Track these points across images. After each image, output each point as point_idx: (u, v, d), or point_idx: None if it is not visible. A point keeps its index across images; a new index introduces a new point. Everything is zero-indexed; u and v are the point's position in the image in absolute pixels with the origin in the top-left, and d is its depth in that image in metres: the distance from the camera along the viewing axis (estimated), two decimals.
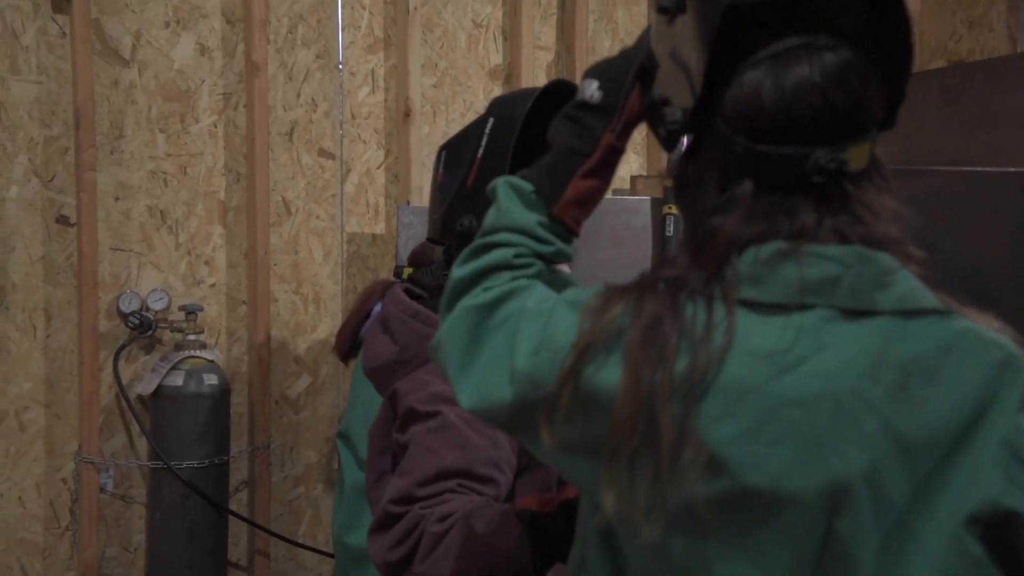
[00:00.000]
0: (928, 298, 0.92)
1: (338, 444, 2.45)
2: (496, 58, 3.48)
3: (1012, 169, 2.30)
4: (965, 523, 0.88)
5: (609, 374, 0.94)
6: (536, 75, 3.48)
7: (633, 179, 3.55)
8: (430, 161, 3.36)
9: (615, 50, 3.65)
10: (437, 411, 1.47)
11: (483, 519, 1.34)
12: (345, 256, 3.30)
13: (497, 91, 3.48)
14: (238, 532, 3.17)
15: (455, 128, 3.43)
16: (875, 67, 0.94)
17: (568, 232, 1.12)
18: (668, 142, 0.99)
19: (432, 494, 1.41)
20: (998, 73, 2.75)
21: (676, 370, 0.90)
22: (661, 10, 0.99)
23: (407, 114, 3.26)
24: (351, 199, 3.31)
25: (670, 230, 2.24)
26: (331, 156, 3.27)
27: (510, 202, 1.11)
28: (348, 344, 2.46)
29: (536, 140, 1.66)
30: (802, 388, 0.89)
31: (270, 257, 3.14)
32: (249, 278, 3.14)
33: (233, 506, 3.10)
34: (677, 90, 0.97)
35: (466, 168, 1.59)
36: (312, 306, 3.27)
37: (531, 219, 1.09)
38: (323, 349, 3.29)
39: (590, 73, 1.11)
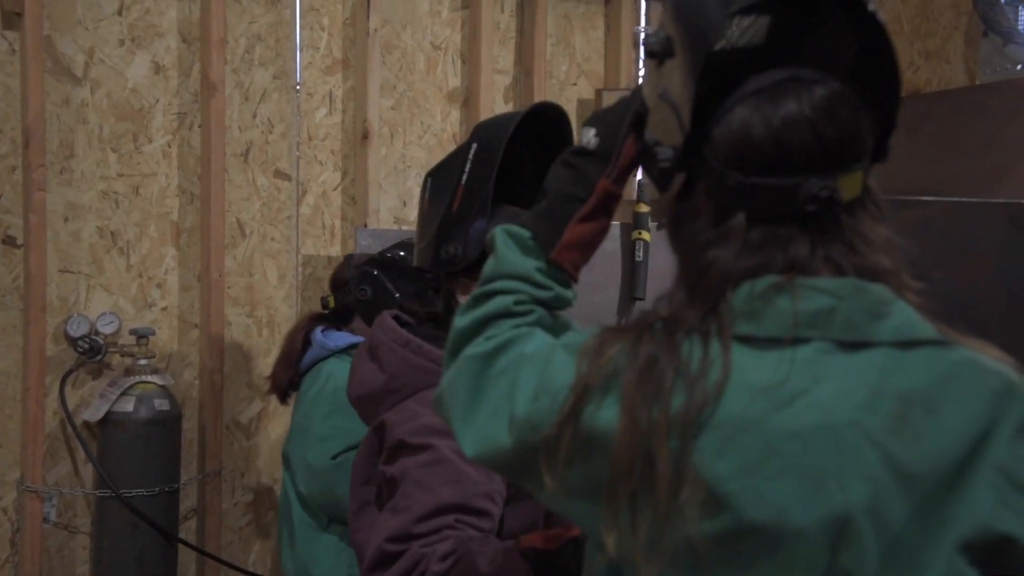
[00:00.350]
0: (926, 328, 0.92)
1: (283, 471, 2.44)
2: (454, 81, 3.47)
3: (1000, 200, 2.33)
4: (959, 548, 0.88)
5: (607, 415, 0.94)
6: (494, 99, 3.47)
7: None
8: (388, 183, 3.34)
9: (572, 74, 3.67)
10: (428, 444, 1.45)
11: (487, 557, 1.32)
12: (300, 279, 3.25)
13: (455, 114, 3.48)
14: (187, 561, 3.10)
15: (412, 151, 3.41)
16: (864, 97, 0.96)
17: (566, 277, 1.11)
18: (661, 182, 1.00)
19: (430, 531, 1.39)
20: (958, 104, 2.80)
21: (673, 407, 0.90)
22: (650, 54, 1.00)
23: (365, 136, 3.23)
24: (307, 221, 3.27)
25: (640, 255, 2.25)
26: (287, 177, 3.23)
27: (508, 249, 1.11)
28: (285, 382, 2.47)
29: (520, 163, 1.65)
30: (801, 421, 0.89)
31: (224, 280, 3.08)
32: (202, 301, 3.08)
33: (182, 534, 3.03)
34: (667, 130, 0.98)
35: (451, 194, 1.57)
36: (266, 330, 3.22)
37: (529, 265, 1.09)
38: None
39: (588, 122, 1.12)
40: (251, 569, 3.20)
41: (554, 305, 1.11)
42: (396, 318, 1.63)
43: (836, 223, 0.93)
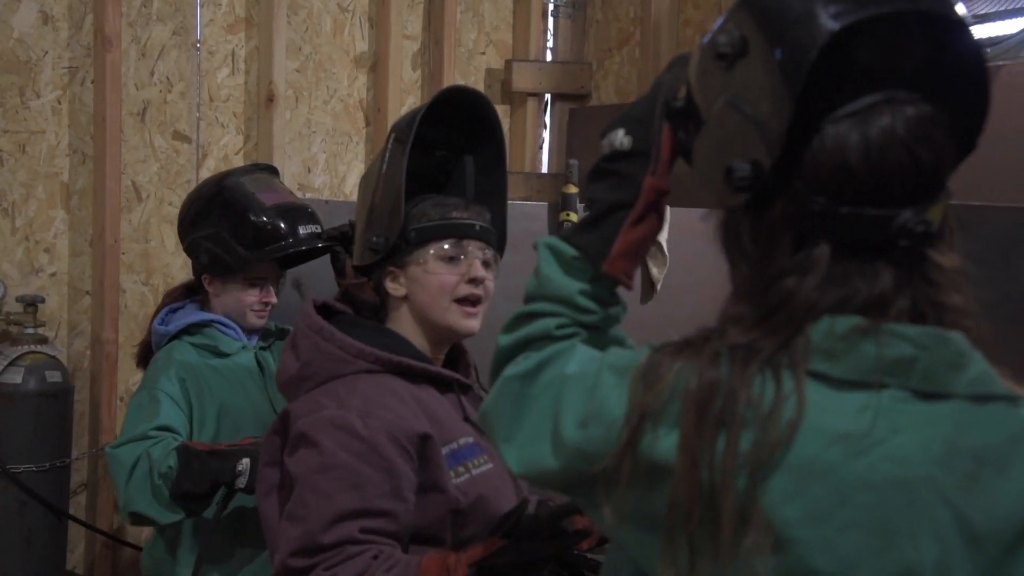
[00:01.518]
0: (999, 384, 0.90)
1: None
2: (362, 45, 3.38)
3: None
4: None
5: (666, 445, 0.89)
6: (402, 64, 3.40)
7: None
8: (292, 148, 3.24)
9: (481, 43, 3.63)
10: (325, 444, 1.42)
11: None
12: None
13: (362, 79, 3.39)
14: (76, 537, 2.97)
15: (318, 115, 3.32)
16: (950, 121, 0.91)
17: (614, 293, 1.07)
18: (731, 199, 0.92)
19: (333, 542, 1.37)
20: None
21: (741, 445, 0.87)
22: (720, 56, 0.92)
23: (270, 99, 3.12)
24: None
25: None
26: (187, 139, 3.09)
27: (550, 268, 1.06)
28: (140, 358, 2.31)
29: (435, 145, 1.64)
30: (876, 472, 0.87)
31: (119, 245, 2.94)
32: (95, 267, 2.93)
33: (72, 510, 2.90)
34: (742, 143, 0.90)
35: (373, 187, 1.58)
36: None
37: (572, 288, 1.05)
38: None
39: (612, 125, 1.07)
40: (143, 546, 3.09)
41: (599, 326, 1.07)
42: (325, 305, 1.59)
43: (921, 256, 0.90)
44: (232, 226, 2.16)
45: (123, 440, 2.06)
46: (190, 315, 2.23)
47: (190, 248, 2.24)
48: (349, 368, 1.50)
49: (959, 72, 0.91)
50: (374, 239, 1.55)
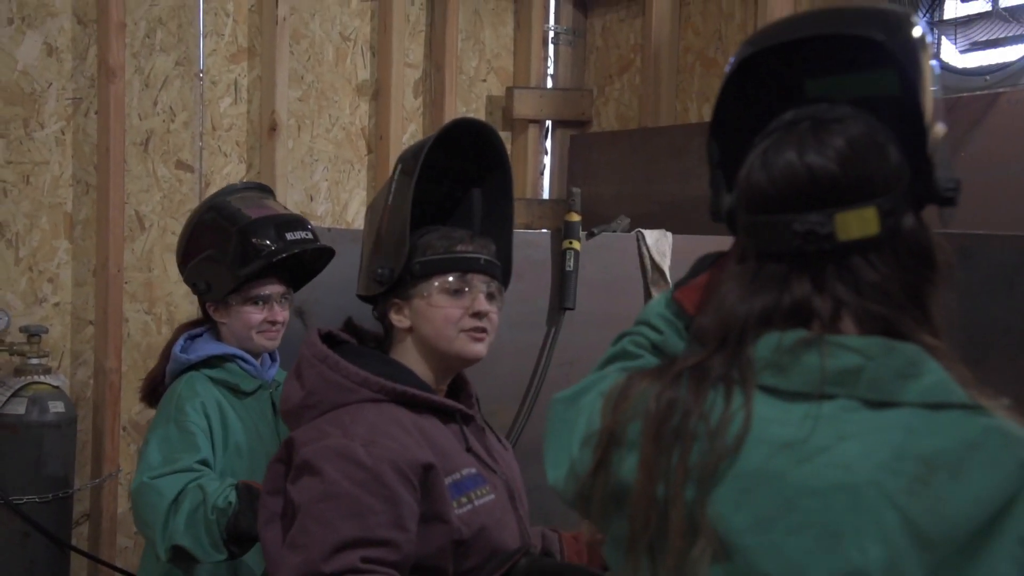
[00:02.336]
0: (956, 392, 0.91)
1: None
2: (364, 73, 3.40)
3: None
4: None
5: (630, 465, 0.93)
6: (404, 92, 3.42)
7: None
8: (294, 177, 3.25)
9: (482, 70, 3.65)
10: (328, 472, 1.42)
11: None
12: None
13: (364, 107, 3.41)
14: (78, 569, 2.96)
15: (320, 144, 3.33)
16: (890, 132, 0.95)
17: (684, 322, 1.10)
18: (713, 220, 1.02)
19: (336, 571, 1.36)
20: None
21: (692, 457, 0.90)
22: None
23: (273, 128, 3.13)
24: None
25: (570, 265, 2.23)
26: (190, 169, 3.11)
27: (655, 299, 1.13)
28: (147, 390, 2.25)
29: (442, 176, 1.65)
30: (820, 478, 0.89)
31: (122, 275, 2.94)
32: (98, 297, 2.93)
33: (74, 540, 2.89)
34: (716, 183, 1.03)
35: (379, 218, 1.58)
36: (166, 327, 3.09)
37: (656, 308, 1.11)
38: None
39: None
40: None
41: (663, 349, 1.10)
42: (330, 335, 1.59)
43: (844, 264, 0.93)
44: (221, 245, 2.09)
45: (163, 471, 1.96)
46: (211, 346, 2.14)
47: (188, 278, 2.17)
48: (353, 397, 1.50)
49: (904, 82, 0.95)
50: (379, 271, 1.55)
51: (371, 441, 1.44)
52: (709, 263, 1.08)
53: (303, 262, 2.16)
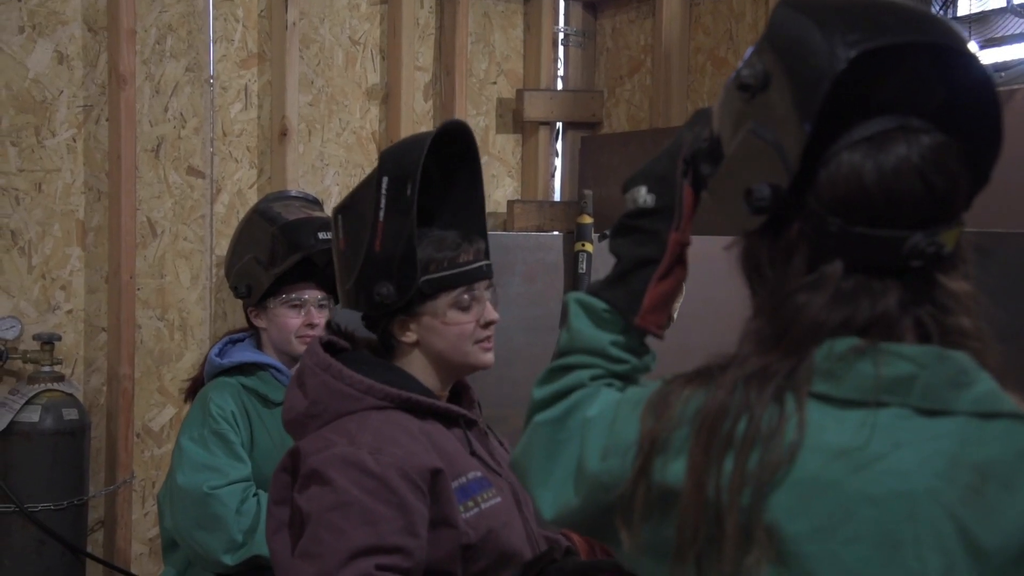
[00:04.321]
0: (1006, 401, 0.91)
1: None
2: (374, 77, 3.40)
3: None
4: None
5: (676, 469, 0.92)
6: (414, 96, 3.42)
7: (510, 203, 3.54)
8: (305, 182, 3.24)
9: (492, 73, 3.64)
10: (338, 481, 1.41)
11: None
12: (214, 281, 3.14)
13: (374, 111, 3.40)
14: (93, 575, 2.96)
15: (331, 148, 3.33)
16: (964, 150, 0.94)
17: (644, 344, 1.11)
18: (749, 221, 0.96)
19: None
20: None
21: (748, 465, 0.89)
22: (743, 87, 0.96)
23: (283, 133, 3.13)
24: (221, 220, 3.15)
25: (582, 267, 2.22)
26: (201, 175, 3.11)
27: (580, 323, 1.09)
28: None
29: (429, 181, 1.60)
30: (878, 486, 0.88)
31: (134, 281, 2.95)
32: (111, 304, 2.94)
33: (89, 547, 2.89)
34: (762, 168, 0.94)
35: (370, 232, 1.52)
36: (178, 333, 3.09)
37: (604, 339, 1.08)
38: (189, 378, 3.11)
39: (634, 181, 1.11)
40: None
41: (630, 377, 1.10)
42: (330, 343, 1.58)
43: (930, 279, 0.93)
44: (259, 248, 2.11)
45: (220, 483, 1.99)
46: (246, 353, 2.14)
47: (232, 282, 2.18)
48: (358, 405, 1.50)
49: (970, 105, 0.95)
50: (383, 291, 1.51)
51: (378, 449, 1.43)
52: (645, 274, 1.07)
53: None
